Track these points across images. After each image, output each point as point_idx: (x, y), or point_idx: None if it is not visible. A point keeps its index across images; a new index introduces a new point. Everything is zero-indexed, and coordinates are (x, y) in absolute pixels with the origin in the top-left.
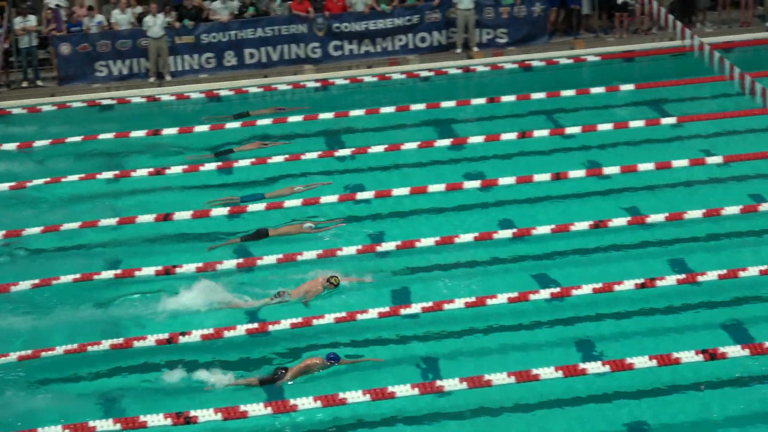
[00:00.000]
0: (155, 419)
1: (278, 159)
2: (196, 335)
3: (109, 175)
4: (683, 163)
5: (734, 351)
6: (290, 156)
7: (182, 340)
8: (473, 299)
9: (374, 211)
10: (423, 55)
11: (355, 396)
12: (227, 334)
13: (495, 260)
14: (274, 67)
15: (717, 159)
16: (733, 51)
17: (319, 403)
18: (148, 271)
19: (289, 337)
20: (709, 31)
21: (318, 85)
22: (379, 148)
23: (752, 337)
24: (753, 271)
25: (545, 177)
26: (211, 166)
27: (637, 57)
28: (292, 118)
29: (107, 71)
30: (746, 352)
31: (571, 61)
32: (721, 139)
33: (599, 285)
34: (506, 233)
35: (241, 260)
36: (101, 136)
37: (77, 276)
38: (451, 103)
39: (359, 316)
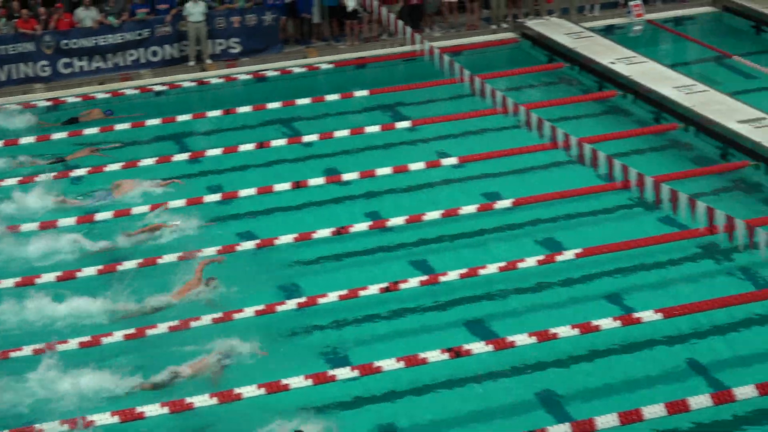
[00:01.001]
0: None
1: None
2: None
3: None
4: (420, 165)
5: (478, 347)
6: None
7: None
8: (220, 315)
9: (113, 229)
10: (156, 69)
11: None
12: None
13: (239, 273)
14: (2, 87)
15: (452, 160)
16: (462, 54)
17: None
18: None
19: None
20: (438, 36)
21: (50, 104)
22: (115, 166)
23: (494, 333)
24: (492, 268)
25: (285, 186)
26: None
27: (369, 63)
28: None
29: None
30: (490, 347)
31: (304, 69)
32: (455, 140)
33: (344, 292)
34: (249, 245)
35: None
36: None
37: None
38: (187, 117)
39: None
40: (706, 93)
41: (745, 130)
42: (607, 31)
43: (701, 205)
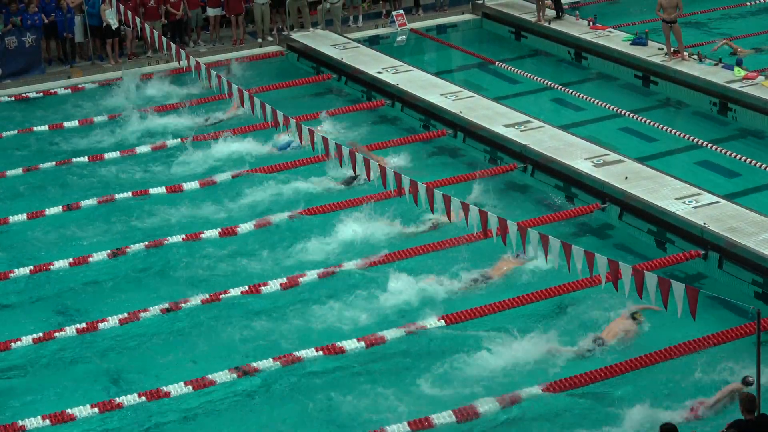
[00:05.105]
0: None
1: None
2: None
3: None
4: (194, 185)
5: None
6: None
7: None
8: None
9: None
10: None
11: None
12: None
13: None
14: None
15: (225, 176)
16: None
17: None
18: None
19: None
20: (204, 51)
21: None
22: None
23: None
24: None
25: (57, 210)
26: None
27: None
28: None
29: None
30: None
31: (68, 90)
32: (228, 156)
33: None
34: None
35: None
36: None
37: None
38: None
39: None
40: (472, 99)
41: (511, 133)
42: (372, 42)
43: (474, 210)
